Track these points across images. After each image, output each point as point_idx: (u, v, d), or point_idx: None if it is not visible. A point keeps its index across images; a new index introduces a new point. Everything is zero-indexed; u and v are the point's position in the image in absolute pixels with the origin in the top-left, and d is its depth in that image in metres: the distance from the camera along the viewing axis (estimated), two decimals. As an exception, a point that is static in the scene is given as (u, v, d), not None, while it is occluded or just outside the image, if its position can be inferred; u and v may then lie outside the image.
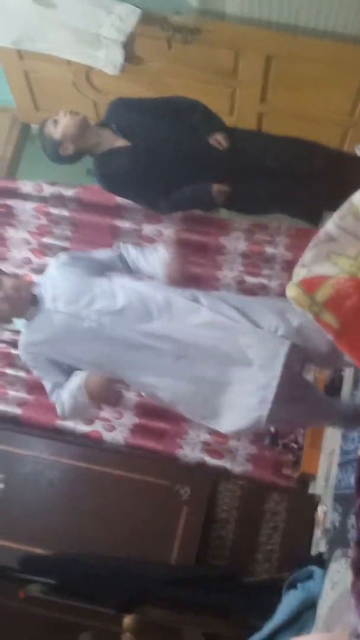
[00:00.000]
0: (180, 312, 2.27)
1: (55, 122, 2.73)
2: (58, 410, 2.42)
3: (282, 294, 3.36)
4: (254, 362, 2.18)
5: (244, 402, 2.20)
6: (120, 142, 2.75)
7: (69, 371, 2.39)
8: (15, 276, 2.55)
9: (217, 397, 2.25)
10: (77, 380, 2.32)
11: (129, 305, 2.27)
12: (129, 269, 2.52)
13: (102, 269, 2.43)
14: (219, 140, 2.68)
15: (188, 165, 2.72)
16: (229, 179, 2.70)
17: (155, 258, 2.48)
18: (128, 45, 3.35)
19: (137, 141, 2.73)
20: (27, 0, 3.28)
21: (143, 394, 2.68)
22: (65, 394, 2.34)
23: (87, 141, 2.75)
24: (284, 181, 2.73)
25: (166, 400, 2.37)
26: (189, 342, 2.23)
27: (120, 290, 2.31)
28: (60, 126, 2.71)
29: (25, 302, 2.32)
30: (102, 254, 2.56)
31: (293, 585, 2.69)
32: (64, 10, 3.33)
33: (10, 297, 2.28)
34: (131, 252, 2.51)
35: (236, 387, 2.22)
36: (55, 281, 2.35)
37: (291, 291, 1.84)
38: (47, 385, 2.42)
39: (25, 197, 3.80)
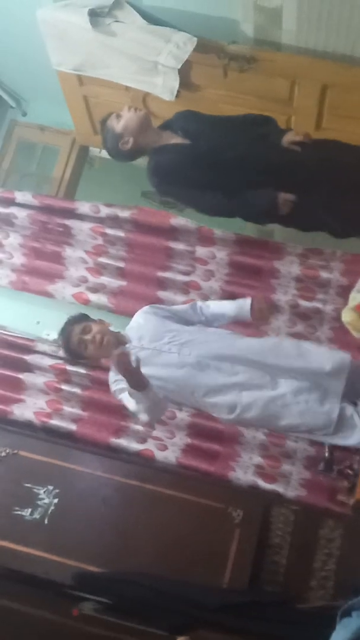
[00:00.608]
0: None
1: (119, 116, 2.78)
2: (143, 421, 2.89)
3: (337, 318, 3.40)
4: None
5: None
6: (178, 140, 2.79)
7: None
8: (100, 322, 2.81)
9: None
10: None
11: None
12: (205, 322, 2.85)
13: (180, 321, 2.81)
14: (291, 139, 2.73)
15: (252, 171, 2.70)
16: (293, 191, 2.68)
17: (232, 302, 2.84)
18: (184, 72, 3.42)
19: (200, 142, 2.74)
20: (89, 29, 3.38)
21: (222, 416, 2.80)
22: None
23: (147, 138, 2.79)
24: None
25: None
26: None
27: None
28: (123, 120, 2.77)
29: (110, 344, 2.69)
30: (180, 308, 2.92)
31: (348, 613, 2.64)
32: (124, 38, 3.42)
33: (97, 340, 2.68)
34: (208, 302, 2.89)
35: None
36: (141, 325, 2.78)
37: (347, 316, 1.85)
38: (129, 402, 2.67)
39: (82, 217, 3.89)
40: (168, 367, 2.67)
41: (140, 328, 2.78)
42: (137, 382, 2.47)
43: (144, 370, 2.48)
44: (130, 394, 2.55)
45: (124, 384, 2.58)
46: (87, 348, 2.72)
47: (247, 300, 2.81)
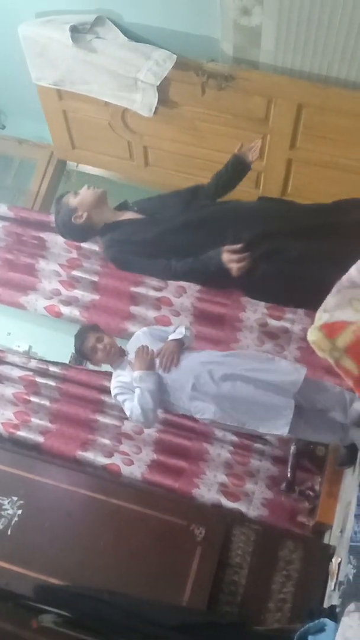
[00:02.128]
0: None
1: (76, 193, 2.73)
2: (136, 415, 3.07)
3: (304, 338, 3.40)
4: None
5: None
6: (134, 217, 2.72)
7: None
8: (110, 336, 3.29)
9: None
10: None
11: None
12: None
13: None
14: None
15: (200, 234, 2.57)
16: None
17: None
18: (163, 89, 3.44)
19: (154, 214, 2.69)
20: (70, 45, 3.40)
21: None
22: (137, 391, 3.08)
23: (102, 215, 2.71)
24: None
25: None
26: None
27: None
28: (80, 196, 2.71)
29: (116, 354, 3.22)
30: (168, 329, 3.35)
31: (304, 637, 2.62)
32: (105, 54, 3.44)
33: (108, 350, 3.20)
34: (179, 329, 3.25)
35: None
36: (139, 342, 3.22)
37: (312, 335, 1.84)
38: (128, 402, 3.09)
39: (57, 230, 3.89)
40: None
41: (137, 343, 3.22)
42: (149, 364, 3.07)
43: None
44: (141, 378, 3.04)
45: (126, 391, 3.11)
46: (97, 354, 3.22)
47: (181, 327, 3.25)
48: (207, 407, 3.01)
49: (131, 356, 3.20)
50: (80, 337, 3.28)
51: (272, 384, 2.96)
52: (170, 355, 3.09)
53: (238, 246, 2.43)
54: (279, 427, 2.95)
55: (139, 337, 3.30)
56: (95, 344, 3.22)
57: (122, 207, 2.77)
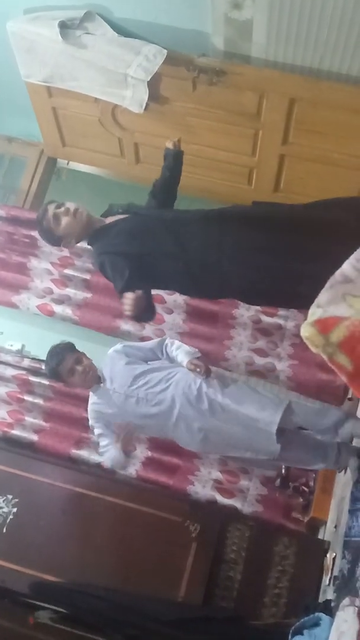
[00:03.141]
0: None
1: (57, 219, 2.66)
2: (107, 463, 3.08)
3: (297, 335, 3.40)
4: None
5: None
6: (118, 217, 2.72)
7: None
8: (88, 358, 3.05)
9: None
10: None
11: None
12: (169, 359, 3.08)
13: (148, 357, 3.11)
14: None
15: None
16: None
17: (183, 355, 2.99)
18: (153, 85, 3.42)
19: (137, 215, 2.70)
20: (59, 41, 3.37)
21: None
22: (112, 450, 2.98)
23: (88, 229, 2.71)
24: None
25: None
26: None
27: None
28: (62, 225, 2.67)
29: (94, 378, 3.02)
30: (150, 344, 3.16)
31: (299, 632, 2.62)
32: (94, 50, 3.41)
33: (86, 372, 2.98)
34: (173, 347, 3.05)
35: None
36: (113, 367, 3.04)
37: (306, 331, 1.83)
38: (103, 442, 3.03)
39: (49, 229, 3.87)
40: (141, 408, 2.99)
41: (112, 370, 3.06)
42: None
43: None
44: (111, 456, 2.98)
45: (103, 423, 3.05)
46: (74, 376, 2.99)
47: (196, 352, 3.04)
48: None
49: (107, 386, 3.02)
50: (56, 357, 3.00)
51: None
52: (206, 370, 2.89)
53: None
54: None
55: (114, 359, 3.08)
56: (73, 366, 2.97)
57: (108, 213, 2.77)
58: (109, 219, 2.74)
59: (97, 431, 3.06)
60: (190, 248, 2.51)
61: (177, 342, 3.08)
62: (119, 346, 3.15)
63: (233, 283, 2.53)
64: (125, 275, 2.49)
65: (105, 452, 3.02)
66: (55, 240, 2.75)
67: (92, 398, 3.07)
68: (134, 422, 2.97)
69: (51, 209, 2.69)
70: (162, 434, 3.18)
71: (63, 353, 3.00)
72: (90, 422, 3.10)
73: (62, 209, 2.67)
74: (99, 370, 3.06)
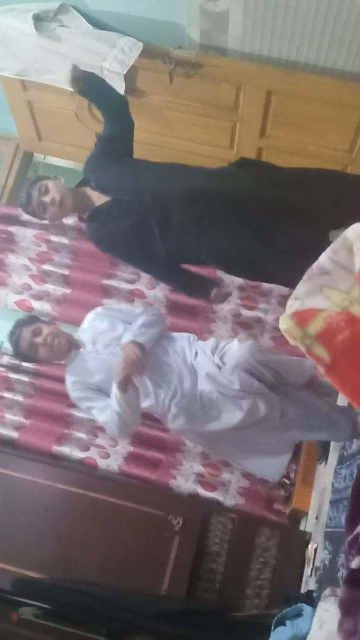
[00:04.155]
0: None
1: (43, 208, 2.58)
2: (113, 428, 2.62)
3: (277, 328, 3.41)
4: None
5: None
6: (102, 199, 2.64)
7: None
8: (51, 324, 2.74)
9: None
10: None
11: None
12: None
13: (130, 321, 2.73)
14: None
15: (176, 214, 2.48)
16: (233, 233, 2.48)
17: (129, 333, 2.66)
18: (130, 78, 3.39)
19: (115, 196, 2.60)
20: (33, 33, 3.34)
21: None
22: (113, 404, 2.53)
23: (72, 208, 2.65)
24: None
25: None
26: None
27: None
28: (49, 214, 2.60)
29: (62, 346, 2.65)
30: (132, 311, 2.86)
31: (282, 622, 2.64)
32: (69, 43, 3.38)
33: (49, 343, 2.62)
34: (139, 320, 2.71)
35: None
36: (94, 328, 2.73)
37: (284, 323, 1.83)
38: (99, 412, 2.63)
39: (26, 224, 3.86)
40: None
41: (93, 331, 2.74)
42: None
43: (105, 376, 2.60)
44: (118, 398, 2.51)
45: (90, 394, 2.65)
46: (39, 351, 2.64)
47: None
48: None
49: (88, 349, 2.69)
50: (12, 337, 2.67)
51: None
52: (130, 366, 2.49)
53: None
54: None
55: (94, 321, 2.75)
56: (32, 340, 2.62)
57: (85, 182, 2.69)
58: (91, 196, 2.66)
59: (85, 404, 2.72)
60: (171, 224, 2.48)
61: (144, 318, 2.71)
62: (99, 309, 2.88)
63: (213, 249, 2.51)
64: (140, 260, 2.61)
65: (106, 416, 2.60)
66: (41, 218, 2.69)
67: (70, 368, 2.73)
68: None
69: (35, 195, 2.58)
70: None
71: (16, 330, 2.68)
72: (74, 398, 2.74)
73: (48, 198, 2.57)
74: (73, 335, 2.76)
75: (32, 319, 2.75)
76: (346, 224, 1.79)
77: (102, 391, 2.66)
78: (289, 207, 2.43)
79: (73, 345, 2.70)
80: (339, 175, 2.87)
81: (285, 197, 2.45)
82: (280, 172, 2.67)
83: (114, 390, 2.49)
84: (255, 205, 2.43)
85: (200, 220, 2.45)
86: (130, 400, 2.52)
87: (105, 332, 2.71)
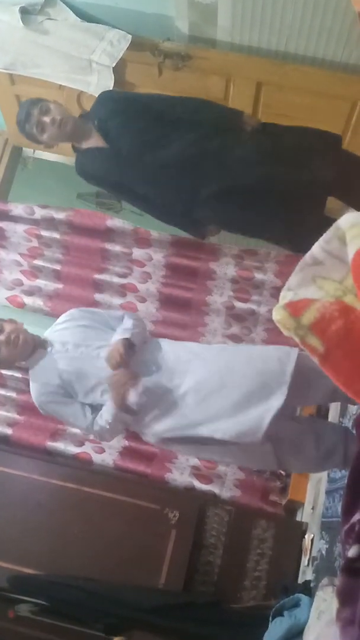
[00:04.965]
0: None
1: (42, 128, 2.60)
2: (104, 434, 2.43)
3: (270, 320, 3.40)
4: None
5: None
6: (100, 142, 2.69)
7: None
8: (13, 321, 2.52)
9: None
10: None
11: None
12: None
13: (107, 325, 2.54)
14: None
15: (177, 174, 2.56)
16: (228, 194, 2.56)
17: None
18: (119, 71, 3.38)
19: (114, 145, 2.65)
20: (20, 27, 3.31)
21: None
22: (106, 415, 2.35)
23: (70, 134, 2.68)
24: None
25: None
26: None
27: None
28: (46, 135, 2.62)
29: (27, 343, 2.43)
30: (110, 313, 2.66)
31: (280, 613, 2.65)
32: (57, 36, 3.36)
33: (12, 340, 2.39)
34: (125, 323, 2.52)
35: None
36: (66, 329, 2.50)
37: (277, 314, 1.82)
38: (75, 418, 2.43)
39: (16, 219, 3.82)
40: (100, 370, 2.38)
41: (65, 332, 2.55)
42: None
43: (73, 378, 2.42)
44: (114, 415, 2.34)
45: (62, 399, 2.43)
46: (0, 351, 2.41)
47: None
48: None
49: (56, 349, 2.46)
50: None
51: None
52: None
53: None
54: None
55: (64, 326, 2.55)
56: None
57: (88, 118, 2.72)
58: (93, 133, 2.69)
59: (55, 408, 2.48)
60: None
61: (130, 321, 2.51)
62: (73, 310, 2.67)
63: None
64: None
65: (86, 421, 2.42)
66: (35, 141, 2.69)
67: (36, 381, 2.48)
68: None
69: (35, 113, 2.55)
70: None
71: None
72: (42, 401, 2.46)
73: (49, 118, 2.56)
74: (39, 337, 2.54)
75: None
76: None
77: (68, 394, 2.45)
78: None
79: (38, 344, 2.48)
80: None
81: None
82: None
83: (110, 406, 2.34)
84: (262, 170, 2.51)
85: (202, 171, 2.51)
86: (125, 418, 2.38)
87: (77, 333, 2.51)
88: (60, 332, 2.53)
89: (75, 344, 2.46)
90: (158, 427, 2.36)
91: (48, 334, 2.56)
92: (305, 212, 2.57)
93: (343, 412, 2.96)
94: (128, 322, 2.48)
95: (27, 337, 2.46)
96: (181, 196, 2.65)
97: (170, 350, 2.45)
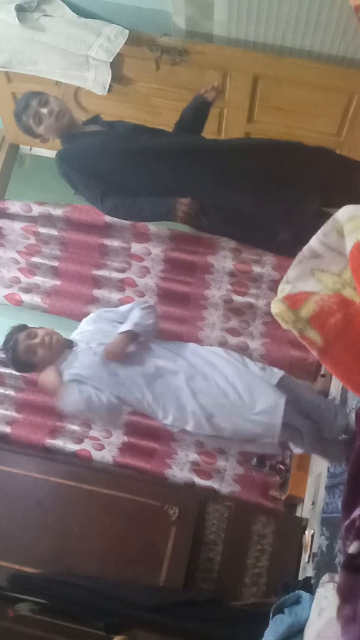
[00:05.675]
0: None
1: (39, 119, 2.61)
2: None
3: (269, 313, 3.40)
4: None
5: None
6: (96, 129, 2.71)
7: None
8: (43, 329, 2.69)
9: None
10: None
11: None
12: None
13: (125, 320, 2.69)
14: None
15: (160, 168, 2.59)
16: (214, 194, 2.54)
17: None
18: (116, 66, 3.37)
19: (116, 130, 2.69)
20: (16, 24, 3.30)
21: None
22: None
23: (66, 127, 2.66)
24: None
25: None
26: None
27: None
28: (43, 126, 2.62)
29: (60, 343, 2.63)
30: (124, 307, 2.80)
31: (280, 610, 2.63)
32: (53, 33, 3.35)
33: (47, 342, 2.60)
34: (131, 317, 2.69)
35: None
36: (88, 330, 2.71)
37: (276, 307, 1.81)
38: (97, 396, 2.54)
39: (13, 217, 3.82)
40: (123, 366, 2.57)
41: (87, 333, 2.73)
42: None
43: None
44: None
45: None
46: (37, 353, 2.60)
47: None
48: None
49: (81, 347, 2.65)
50: (7, 345, 2.66)
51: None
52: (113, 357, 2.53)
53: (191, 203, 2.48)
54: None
55: (88, 329, 2.74)
56: (29, 343, 2.60)
57: (91, 121, 2.74)
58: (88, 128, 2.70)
59: (84, 388, 2.56)
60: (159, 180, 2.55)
61: (138, 313, 2.68)
62: (92, 314, 2.88)
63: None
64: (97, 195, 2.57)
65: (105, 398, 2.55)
66: (31, 134, 2.68)
67: (62, 367, 2.62)
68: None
69: (34, 104, 2.58)
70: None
71: (11, 337, 2.67)
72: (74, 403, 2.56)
73: (47, 109, 2.59)
74: (64, 338, 2.72)
75: (22, 327, 2.73)
76: (335, 201, 1.81)
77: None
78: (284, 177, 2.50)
79: (66, 345, 2.67)
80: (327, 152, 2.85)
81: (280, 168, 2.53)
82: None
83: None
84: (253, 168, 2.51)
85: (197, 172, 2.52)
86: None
87: (99, 333, 2.69)
88: (84, 333, 2.72)
89: (99, 342, 2.63)
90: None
91: (73, 335, 2.75)
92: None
93: (343, 404, 2.95)
94: (135, 315, 2.64)
95: (60, 338, 2.65)
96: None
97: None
